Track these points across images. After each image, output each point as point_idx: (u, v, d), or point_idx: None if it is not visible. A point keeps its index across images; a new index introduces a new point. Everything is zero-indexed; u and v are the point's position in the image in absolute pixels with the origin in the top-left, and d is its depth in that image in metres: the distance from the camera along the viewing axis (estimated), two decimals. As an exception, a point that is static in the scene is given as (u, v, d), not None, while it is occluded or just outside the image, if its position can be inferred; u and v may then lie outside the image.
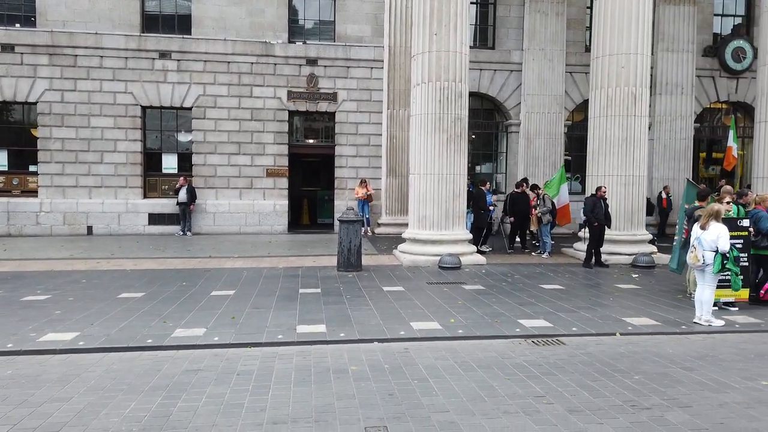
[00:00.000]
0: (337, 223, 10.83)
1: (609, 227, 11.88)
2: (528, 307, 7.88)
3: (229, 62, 16.11)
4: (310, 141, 17.46)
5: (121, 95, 15.79)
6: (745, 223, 7.85)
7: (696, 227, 7.13)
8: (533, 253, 13.30)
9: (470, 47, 16.81)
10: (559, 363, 5.60)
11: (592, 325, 7.01)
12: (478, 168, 18.53)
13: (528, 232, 14.32)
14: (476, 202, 13.28)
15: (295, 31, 16.72)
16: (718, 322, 7.03)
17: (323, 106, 16.63)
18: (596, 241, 11.67)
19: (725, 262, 6.85)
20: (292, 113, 16.70)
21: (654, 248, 12.45)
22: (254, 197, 16.51)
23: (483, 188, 13.48)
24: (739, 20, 18.30)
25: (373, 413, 4.29)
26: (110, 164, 15.87)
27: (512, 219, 13.71)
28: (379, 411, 4.33)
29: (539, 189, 14.11)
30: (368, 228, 16.64)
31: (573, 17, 17.33)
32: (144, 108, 16.09)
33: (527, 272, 10.88)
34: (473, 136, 18.31)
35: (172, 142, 16.65)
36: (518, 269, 11.22)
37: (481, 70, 17.05)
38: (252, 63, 16.20)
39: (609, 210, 11.81)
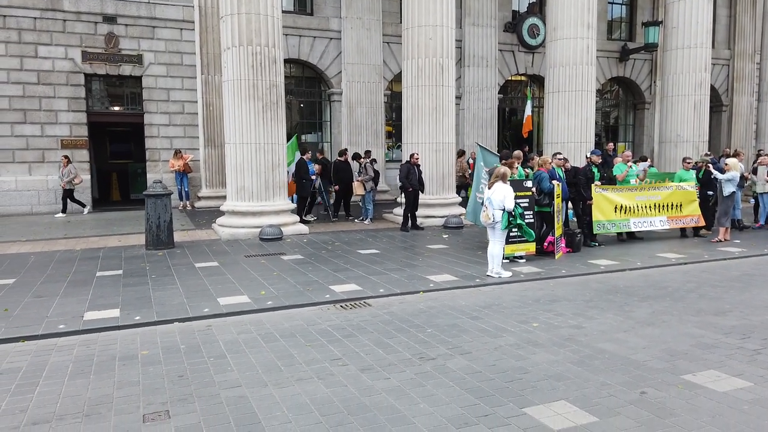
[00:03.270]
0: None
1: (423, 192, 12.52)
2: (342, 273, 8.01)
3: (4, 16, 13.77)
4: (116, 108, 15.79)
5: None
6: (529, 184, 8.75)
7: (485, 188, 7.76)
8: (356, 220, 13.60)
9: (288, 12, 16.47)
10: (361, 324, 5.75)
11: (399, 285, 7.34)
12: (304, 137, 18.35)
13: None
14: (298, 171, 13.15)
15: (89, -17, 14.82)
16: (507, 274, 7.79)
17: (127, 70, 15.07)
18: (411, 205, 12.24)
19: (511, 219, 7.57)
20: (89, 77, 14.89)
21: (463, 210, 13.43)
22: (48, 172, 14.54)
23: (304, 157, 13.37)
24: (533, -1, 20.18)
25: (156, 398, 4.00)
26: None
27: (336, 187, 13.86)
28: (164, 395, 4.05)
29: (362, 157, 14.41)
30: (187, 202, 15.68)
31: (389, -13, 17.69)
32: None
33: (348, 239, 11.08)
34: (302, 105, 18.05)
35: (-65, 109, 13.94)
36: (340, 236, 11.37)
37: (300, 36, 16.73)
38: (35, 18, 14.05)
39: (422, 176, 12.43)
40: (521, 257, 8.88)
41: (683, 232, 11.32)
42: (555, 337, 5.29)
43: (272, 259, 9.07)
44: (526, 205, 8.66)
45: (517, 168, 8.69)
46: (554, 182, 9.06)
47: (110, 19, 14.80)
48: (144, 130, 15.55)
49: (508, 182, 7.74)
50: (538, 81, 20.34)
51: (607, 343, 5.10)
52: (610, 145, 15.42)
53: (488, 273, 7.82)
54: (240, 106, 11.16)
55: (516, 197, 8.02)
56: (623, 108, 22.80)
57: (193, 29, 15.42)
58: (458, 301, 6.63)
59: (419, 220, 12.56)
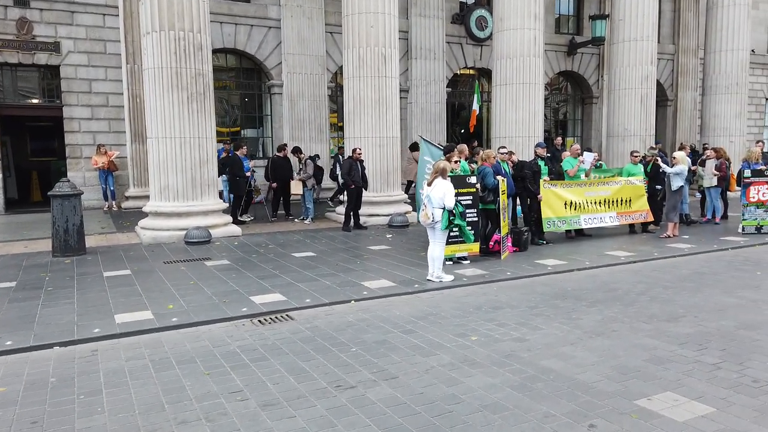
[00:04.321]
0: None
1: (366, 189, 11.81)
2: (268, 281, 7.21)
3: None
4: (33, 101, 14.43)
5: None
6: (473, 180, 8.14)
7: (425, 185, 7.11)
8: (296, 220, 12.79)
9: (220, -3, 15.43)
10: (277, 344, 4.98)
11: (329, 293, 6.59)
12: (243, 132, 17.35)
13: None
14: (231, 168, 12.23)
15: (-3, -38, 13.42)
16: (448, 278, 7.16)
17: (42, 59, 13.74)
18: (354, 203, 11.53)
19: (452, 218, 6.93)
20: (-1, 66, 13.53)
21: (409, 207, 12.79)
22: (-50, 171, 13.13)
23: (238, 153, 12.43)
24: (481, -9, 19.70)
25: (-12, 459, 3.14)
26: None
27: (274, 185, 13.00)
28: (1, 453, 3.20)
29: (301, 153, 13.59)
30: (113, 202, 14.48)
31: (331, -26, 16.85)
32: None
33: (284, 241, 10.27)
34: (246, 99, 17.03)
35: None
36: (276, 238, 10.54)
37: (236, 24, 15.69)
38: (-67, -1, 12.61)
39: (366, 172, 11.72)
40: (465, 258, 8.28)
41: (632, 228, 11.00)
42: (494, 353, 4.66)
43: (193, 266, 8.18)
44: (470, 202, 8.06)
45: (458, 162, 8.07)
46: (499, 178, 8.50)
47: (22, 3, 13.44)
48: (64, 124, 14.24)
49: (449, 178, 7.11)
50: (486, 74, 19.86)
51: (552, 359, 4.50)
52: (558, 139, 15.13)
53: (428, 277, 7.17)
54: (162, 97, 10.16)
55: (459, 194, 7.42)
56: (572, 103, 22.69)
57: (117, 15, 14.21)
58: (392, 311, 5.94)
59: (362, 219, 11.85)
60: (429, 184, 6.98)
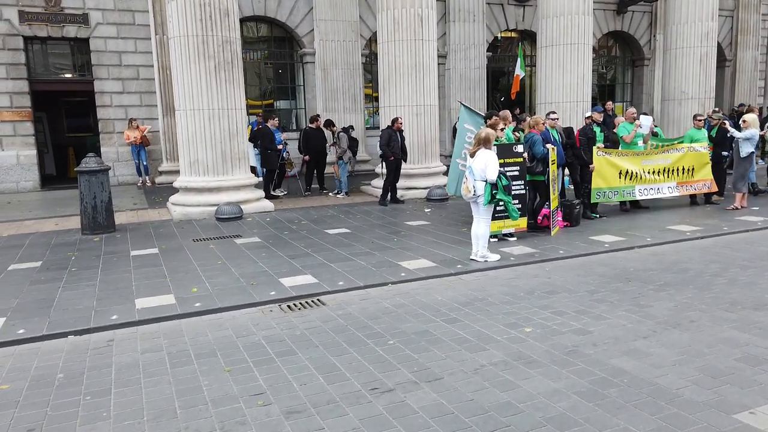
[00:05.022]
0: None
1: (405, 161, 11.19)
2: (299, 260, 6.73)
3: (-77, -30, 12.12)
4: (64, 75, 14.22)
5: None
6: (520, 149, 7.41)
7: (467, 156, 6.44)
8: (331, 194, 12.30)
9: (247, -40, 14.79)
10: (306, 334, 4.49)
11: (365, 275, 6.06)
12: (277, 104, 16.87)
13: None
14: (262, 141, 11.78)
15: (22, -68, 13.08)
16: (494, 257, 6.52)
17: (71, 31, 13.45)
18: (392, 176, 10.93)
19: (495, 192, 6.25)
20: (28, 40, 13.27)
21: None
22: (-15, 148, 13.10)
23: (269, 125, 11.95)
24: (523, -52, 18.44)
25: (-28, 477, 2.75)
26: None
27: (307, 157, 12.50)
28: (-12, 470, 2.80)
29: (334, 126, 13.02)
30: (147, 178, 14.28)
31: (363, -67, 15.96)
32: None
33: (317, 216, 9.79)
34: (280, 71, 16.51)
35: None
36: (309, 214, 10.08)
37: (265, -10, 15.08)
38: (-39, -28, 12.39)
39: (405, 143, 11.07)
40: (511, 234, 7.61)
41: (693, 200, 10.07)
42: (554, 348, 4.04)
43: (223, 243, 7.78)
44: (517, 173, 7.34)
45: (503, 130, 7.34)
46: (548, 146, 7.73)
47: (49, -26, 13.12)
48: (95, 98, 14.02)
49: (494, 148, 6.41)
50: (530, 37, 18.77)
51: (623, 357, 3.85)
52: (609, 103, 14.06)
53: (472, 257, 6.55)
54: (189, 67, 9.69)
55: (504, 164, 6.73)
56: (620, 65, 21.29)
57: (144, -16, 13.78)
58: (434, 296, 5.37)
59: (399, 193, 11.25)
60: (471, 155, 6.30)
